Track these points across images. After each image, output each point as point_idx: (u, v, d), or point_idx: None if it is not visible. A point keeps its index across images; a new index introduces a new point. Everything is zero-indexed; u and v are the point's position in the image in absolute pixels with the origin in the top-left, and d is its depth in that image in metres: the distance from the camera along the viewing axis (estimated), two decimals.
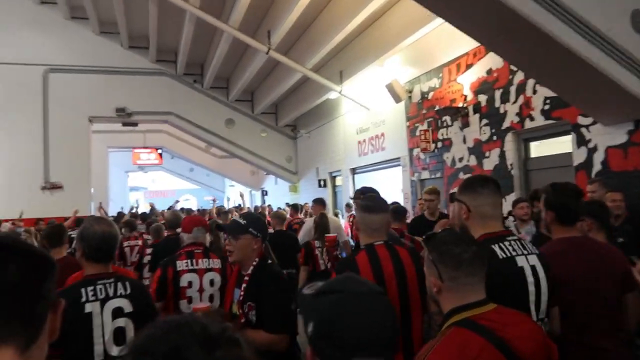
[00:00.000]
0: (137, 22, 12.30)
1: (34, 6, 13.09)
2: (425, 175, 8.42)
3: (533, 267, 1.87)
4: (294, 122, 15.47)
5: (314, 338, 1.04)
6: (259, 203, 21.12)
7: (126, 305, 2.17)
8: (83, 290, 2.10)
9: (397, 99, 8.73)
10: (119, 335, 2.12)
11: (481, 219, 1.96)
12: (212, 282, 3.29)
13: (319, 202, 7.49)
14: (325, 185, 13.05)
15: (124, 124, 14.56)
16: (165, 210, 12.40)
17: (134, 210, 13.63)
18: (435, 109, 7.95)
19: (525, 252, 1.90)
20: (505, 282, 1.77)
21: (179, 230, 4.19)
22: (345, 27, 8.40)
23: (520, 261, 1.86)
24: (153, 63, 14.12)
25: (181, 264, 3.25)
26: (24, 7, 12.98)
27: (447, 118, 7.65)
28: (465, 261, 1.48)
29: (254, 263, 2.49)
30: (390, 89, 8.69)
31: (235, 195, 27.01)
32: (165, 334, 0.66)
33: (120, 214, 11.10)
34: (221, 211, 9.65)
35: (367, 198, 2.63)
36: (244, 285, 2.45)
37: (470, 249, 1.51)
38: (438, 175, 8.03)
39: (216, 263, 3.36)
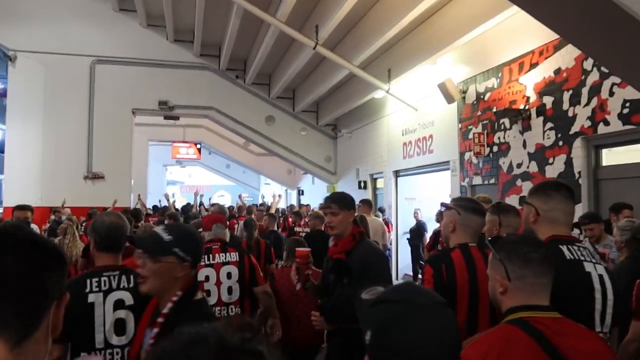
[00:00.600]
0: (184, 15, 12.26)
1: None
2: (478, 180, 7.97)
3: (600, 277, 1.80)
4: (334, 122, 15.19)
5: (370, 347, 1.02)
6: (295, 202, 20.94)
7: (128, 298, 2.23)
8: (88, 281, 2.19)
9: (450, 99, 8.31)
10: (119, 325, 2.20)
11: (550, 224, 1.90)
12: (229, 275, 3.44)
13: (366, 203, 7.30)
14: (365, 187, 12.70)
15: (166, 117, 14.59)
16: (208, 204, 12.40)
17: (172, 201, 13.65)
18: (493, 111, 7.50)
19: (593, 260, 1.84)
20: (572, 284, 1.72)
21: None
22: (397, 23, 8.05)
23: (588, 267, 1.81)
24: (197, 57, 14.10)
25: None
26: None
27: (506, 120, 7.19)
28: (533, 260, 1.45)
29: (175, 298, 1.82)
30: (443, 88, 8.28)
31: (271, 193, 26.96)
32: (181, 348, 0.64)
33: (165, 208, 11.02)
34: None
35: (468, 199, 2.60)
36: (155, 329, 1.81)
37: (539, 250, 1.48)
38: (492, 181, 7.57)
39: (233, 256, 3.51)
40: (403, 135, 10.64)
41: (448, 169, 8.88)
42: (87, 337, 2.13)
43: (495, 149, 7.49)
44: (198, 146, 21.04)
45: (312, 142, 15.23)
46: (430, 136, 9.48)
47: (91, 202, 12.11)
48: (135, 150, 14.56)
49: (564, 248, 1.81)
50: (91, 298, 2.16)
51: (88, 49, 13.23)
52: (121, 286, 2.25)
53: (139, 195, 13.89)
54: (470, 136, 8.02)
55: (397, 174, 11.19)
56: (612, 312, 1.79)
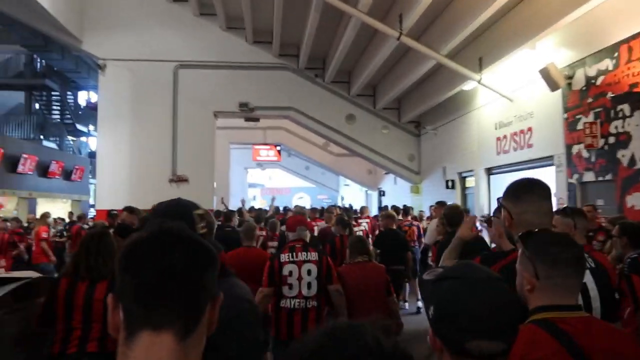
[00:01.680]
0: (262, 16, 12.14)
1: (165, 4, 13.52)
2: (590, 177, 7.01)
3: (584, 284, 1.79)
4: (417, 118, 14.47)
5: (434, 321, 1.08)
6: (375, 204, 20.37)
7: None
8: None
9: (554, 86, 7.40)
10: None
11: (524, 228, 1.75)
12: (309, 272, 3.81)
13: (443, 205, 6.91)
14: (453, 187, 11.89)
15: (246, 119, 14.60)
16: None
17: (250, 206, 13.78)
18: (608, 97, 6.53)
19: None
20: None
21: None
22: (489, 6, 7.30)
23: None
24: (276, 57, 13.97)
25: (284, 257, 3.84)
26: (157, 6, 13.45)
27: (625, 107, 6.23)
28: (562, 261, 1.42)
29: None
30: (545, 75, 7.39)
31: (349, 194, 26.63)
32: (336, 343, 0.64)
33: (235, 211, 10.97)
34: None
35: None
36: None
37: (570, 250, 1.45)
38: (608, 177, 6.60)
39: (313, 256, 3.87)
40: (496, 129, 9.76)
41: (551, 164, 7.95)
42: None
43: (611, 140, 6.52)
44: (278, 148, 21.09)
45: (394, 141, 14.60)
46: (529, 129, 8.57)
47: None
48: (217, 153, 14.73)
49: None
50: None
51: (171, 54, 13.52)
52: None
53: (222, 197, 14.03)
54: (580, 126, 7.08)
55: (489, 171, 10.32)
56: (599, 306, 1.84)
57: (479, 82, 9.14)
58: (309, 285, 3.79)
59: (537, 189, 1.93)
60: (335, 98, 14.32)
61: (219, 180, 16.16)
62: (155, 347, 0.79)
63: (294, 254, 3.84)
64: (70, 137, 25.65)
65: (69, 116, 24.08)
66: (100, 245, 3.09)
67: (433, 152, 13.47)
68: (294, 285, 3.77)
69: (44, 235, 9.69)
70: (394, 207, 10.77)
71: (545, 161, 8.22)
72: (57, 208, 19.70)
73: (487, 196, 10.28)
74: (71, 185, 21.10)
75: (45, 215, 10.97)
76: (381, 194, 19.65)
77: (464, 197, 11.70)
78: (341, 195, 29.42)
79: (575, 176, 7.31)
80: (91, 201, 22.11)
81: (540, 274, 1.44)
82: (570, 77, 7.33)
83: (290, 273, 3.78)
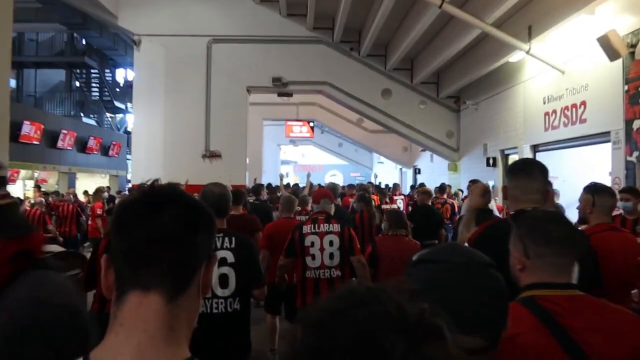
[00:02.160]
0: None
1: None
2: None
3: None
4: (457, 93, 13.86)
5: None
6: (409, 182, 19.91)
7: (229, 256, 2.70)
8: None
9: (614, 55, 6.78)
10: (223, 280, 2.67)
11: (513, 202, 2.14)
12: (331, 243, 3.91)
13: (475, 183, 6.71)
14: (495, 165, 11.35)
15: (279, 95, 14.31)
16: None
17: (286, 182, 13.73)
18: None
19: None
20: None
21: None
22: None
23: None
24: (310, 31, 13.58)
25: (306, 228, 3.95)
26: None
27: None
28: (555, 239, 1.37)
29: None
30: (605, 43, 6.77)
31: (384, 171, 26.19)
32: (350, 308, 0.55)
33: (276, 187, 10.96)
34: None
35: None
36: None
37: (562, 227, 1.39)
38: None
39: (336, 227, 3.96)
40: (545, 103, 9.16)
41: (607, 141, 7.37)
42: None
43: None
44: (311, 124, 20.77)
45: (432, 116, 14.06)
46: (583, 103, 7.96)
47: (209, 180, 11.99)
48: (250, 129, 14.59)
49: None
50: None
51: (204, 28, 13.29)
52: (224, 246, 2.71)
53: (255, 178, 13.92)
54: None
55: (535, 148, 9.74)
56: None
57: (527, 52, 8.53)
58: (331, 255, 3.88)
59: (529, 168, 2.17)
60: (371, 72, 13.85)
61: (251, 156, 16.02)
62: (142, 308, 0.79)
63: (316, 225, 3.94)
64: (108, 114, 26.04)
65: (107, 93, 24.38)
66: None
67: (473, 129, 12.89)
68: (317, 256, 3.87)
69: (99, 211, 9.87)
70: (440, 187, 11.03)
71: (600, 137, 7.63)
72: (96, 183, 20.08)
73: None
74: (109, 161, 21.45)
75: (100, 190, 11.06)
76: (417, 171, 19.14)
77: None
78: (375, 172, 29.00)
79: (635, 154, 6.73)
80: (129, 177, 22.45)
81: (530, 253, 1.40)
82: (633, 46, 6.68)
83: (312, 244, 3.87)
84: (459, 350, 0.56)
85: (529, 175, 2.12)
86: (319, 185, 14.12)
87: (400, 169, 22.34)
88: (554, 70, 8.63)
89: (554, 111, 8.82)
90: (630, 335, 1.27)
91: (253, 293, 2.87)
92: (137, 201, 0.85)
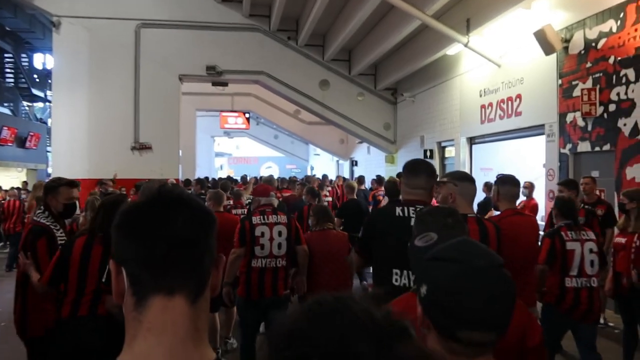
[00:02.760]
0: None
1: None
2: (585, 147, 6.64)
3: None
4: (394, 85, 13.92)
5: (426, 302, 1.07)
6: (346, 174, 19.94)
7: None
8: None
9: (549, 50, 6.94)
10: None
11: (403, 194, 2.73)
12: (280, 233, 4.06)
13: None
14: (432, 157, 11.48)
15: (214, 84, 13.76)
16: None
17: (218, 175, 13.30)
18: (610, 61, 6.11)
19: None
20: (397, 228, 2.46)
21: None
22: None
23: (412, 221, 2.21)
24: (246, 18, 13.11)
25: (255, 219, 4.07)
26: None
27: (629, 72, 5.83)
28: (447, 225, 1.67)
29: None
30: (541, 37, 6.90)
31: (320, 164, 26.11)
32: (324, 319, 0.59)
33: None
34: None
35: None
36: None
37: (454, 217, 1.74)
38: (606, 147, 6.24)
39: (283, 219, 4.13)
40: (481, 96, 9.32)
41: (542, 133, 7.58)
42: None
43: (612, 107, 6.14)
44: (247, 115, 20.24)
45: (370, 108, 14.03)
46: (518, 96, 8.14)
47: (139, 174, 11.64)
48: (183, 120, 13.96)
49: (398, 208, 2.56)
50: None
51: (132, 12, 12.51)
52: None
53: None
54: (576, 93, 6.67)
55: (471, 141, 9.93)
56: None
57: (465, 45, 8.62)
58: (279, 245, 4.04)
59: (416, 167, 2.69)
60: (309, 62, 13.61)
61: (184, 148, 15.35)
62: (169, 311, 0.80)
63: (265, 216, 4.09)
64: (25, 103, 24.04)
65: (23, 80, 22.47)
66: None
67: (410, 121, 13.00)
68: (266, 245, 4.00)
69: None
70: (359, 178, 11.48)
71: (534, 130, 7.84)
72: (11, 177, 18.48)
73: (469, 166, 9.91)
74: (26, 153, 19.74)
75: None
76: (353, 163, 19.18)
77: (443, 167, 11.32)
78: (311, 165, 28.87)
79: (569, 146, 6.95)
80: (49, 170, 20.88)
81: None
82: (567, 41, 6.87)
83: (262, 234, 4.01)
84: (424, 345, 0.64)
85: (414, 173, 2.64)
86: (256, 178, 13.75)
87: (337, 161, 22.33)
88: (491, 64, 8.78)
89: (491, 104, 8.99)
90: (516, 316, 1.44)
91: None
92: (148, 205, 0.85)
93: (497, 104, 8.74)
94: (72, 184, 3.50)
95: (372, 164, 16.32)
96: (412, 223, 1.93)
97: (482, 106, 9.27)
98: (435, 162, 11.42)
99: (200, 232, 0.84)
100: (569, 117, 6.91)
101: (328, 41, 13.32)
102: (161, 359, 0.77)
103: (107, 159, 12.27)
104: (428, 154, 11.52)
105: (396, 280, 2.37)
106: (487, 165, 9.96)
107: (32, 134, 19.80)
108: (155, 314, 0.79)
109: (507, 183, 3.50)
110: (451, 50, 9.66)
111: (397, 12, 9.50)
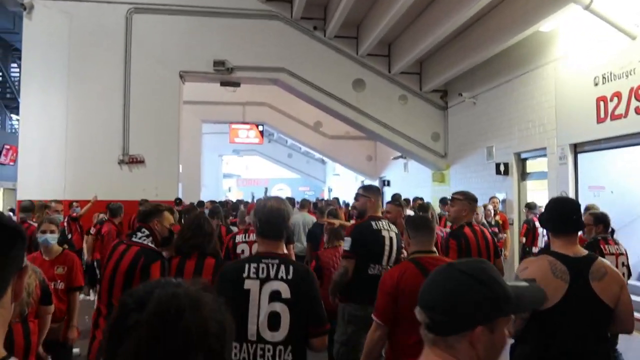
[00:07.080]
0: None
1: None
2: None
3: (390, 238, 3.68)
4: (444, 87, 11.38)
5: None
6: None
7: (284, 290, 2.20)
8: (247, 265, 2.24)
9: None
10: (273, 319, 2.16)
11: (372, 211, 3.85)
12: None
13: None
14: (507, 172, 8.76)
15: (223, 84, 11.27)
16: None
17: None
18: None
19: (388, 229, 3.74)
20: (373, 242, 3.64)
21: None
22: None
23: (384, 232, 3.69)
24: (263, 3, 10.81)
25: (239, 237, 4.51)
26: None
27: None
28: (423, 228, 2.79)
29: None
30: None
31: (340, 185, 23.50)
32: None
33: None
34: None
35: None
36: None
37: (427, 222, 2.88)
38: None
39: None
40: (597, 85, 6.64)
41: None
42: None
43: None
44: (260, 128, 17.68)
45: (414, 115, 11.46)
46: None
47: (129, 194, 9.31)
48: (185, 130, 11.66)
49: (373, 223, 3.69)
50: (247, 285, 2.19)
51: None
52: (279, 277, 2.21)
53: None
54: None
55: (577, 148, 7.21)
56: (395, 257, 3.66)
57: (586, 8, 5.97)
58: None
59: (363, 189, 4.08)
60: (340, 58, 11.23)
61: (186, 164, 12.84)
62: None
63: (247, 235, 4.40)
64: (14, 116, 21.70)
65: (10, 90, 20.22)
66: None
67: (469, 128, 10.33)
68: None
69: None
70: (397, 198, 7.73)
71: None
72: None
73: (573, 183, 7.16)
74: (0, 169, 17.00)
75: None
76: (385, 183, 16.43)
77: (524, 187, 8.61)
78: (328, 186, 26.24)
79: None
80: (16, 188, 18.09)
81: (411, 235, 2.82)
82: None
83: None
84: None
85: (377, 194, 3.99)
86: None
87: (362, 181, 19.62)
88: (617, 37, 6.13)
89: (617, 94, 6.29)
90: None
91: (311, 341, 2.26)
92: None
93: (633, 93, 6.04)
94: (171, 210, 3.40)
95: (411, 184, 13.58)
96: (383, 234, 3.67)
97: (599, 99, 6.58)
98: (512, 180, 8.70)
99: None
100: None
101: (363, 32, 10.94)
102: None
103: (88, 176, 9.87)
104: (502, 168, 8.79)
105: (370, 270, 3.57)
106: (597, 182, 7.23)
107: (7, 147, 17.00)
108: None
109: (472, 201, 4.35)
110: (547, 24, 7.06)
111: None
